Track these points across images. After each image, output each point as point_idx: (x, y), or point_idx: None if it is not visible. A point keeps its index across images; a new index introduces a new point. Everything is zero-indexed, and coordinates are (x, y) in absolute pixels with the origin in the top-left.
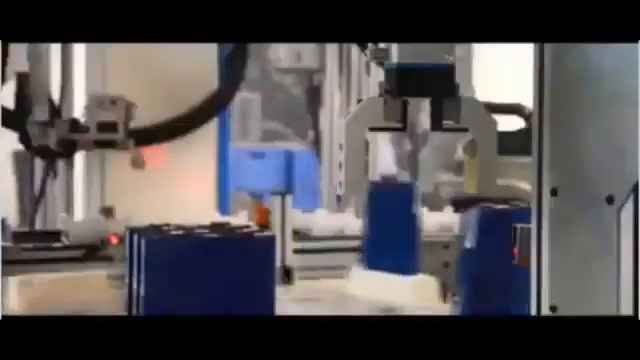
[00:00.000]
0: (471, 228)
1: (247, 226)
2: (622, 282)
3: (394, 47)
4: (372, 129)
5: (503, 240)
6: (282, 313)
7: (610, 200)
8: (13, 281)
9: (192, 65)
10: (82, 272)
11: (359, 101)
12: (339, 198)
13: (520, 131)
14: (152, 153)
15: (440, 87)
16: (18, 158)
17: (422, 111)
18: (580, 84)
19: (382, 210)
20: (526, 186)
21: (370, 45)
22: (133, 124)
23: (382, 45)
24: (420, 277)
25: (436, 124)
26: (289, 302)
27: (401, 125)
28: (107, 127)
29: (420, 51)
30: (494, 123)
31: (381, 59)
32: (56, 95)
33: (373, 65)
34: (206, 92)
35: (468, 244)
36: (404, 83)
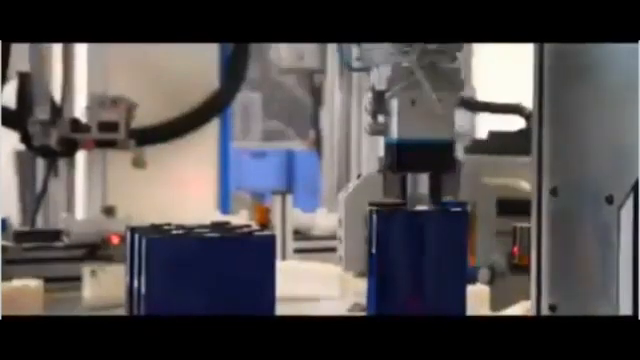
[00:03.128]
0: (372, 232)
1: (247, 225)
2: (622, 282)
3: (394, 122)
4: (372, 204)
5: (402, 243)
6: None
7: (610, 200)
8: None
9: (193, 65)
10: None
11: (358, 176)
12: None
13: (520, 131)
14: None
15: (440, 162)
16: (19, 158)
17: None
18: (580, 84)
19: None
20: (526, 186)
21: (369, 119)
22: (134, 124)
23: (381, 119)
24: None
25: (435, 198)
26: None
27: (401, 201)
28: (108, 127)
29: (420, 125)
30: (493, 197)
31: (381, 133)
32: (57, 95)
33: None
34: (207, 92)
35: (372, 249)
36: (404, 158)
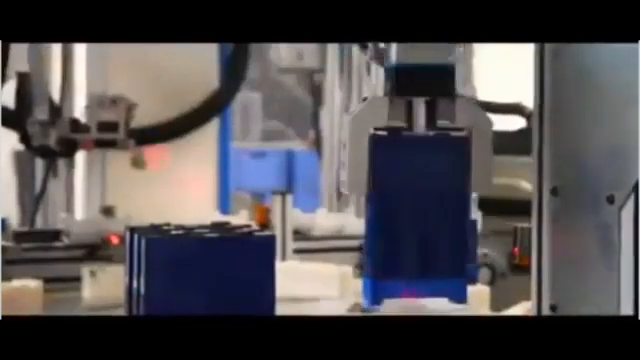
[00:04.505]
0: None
1: (247, 225)
2: (622, 282)
3: (393, 46)
4: (377, 129)
5: (401, 167)
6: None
7: (611, 200)
8: None
9: (193, 65)
10: None
11: (364, 99)
12: (339, 197)
13: (520, 131)
14: (151, 155)
15: (440, 86)
16: (18, 158)
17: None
18: (580, 84)
19: None
20: (527, 185)
21: (370, 45)
22: (134, 124)
23: (382, 45)
24: None
25: (430, 123)
26: None
27: (406, 125)
28: (108, 127)
29: (420, 49)
30: (489, 123)
31: (381, 59)
32: (56, 95)
33: (373, 64)
34: (207, 92)
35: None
36: (403, 82)
